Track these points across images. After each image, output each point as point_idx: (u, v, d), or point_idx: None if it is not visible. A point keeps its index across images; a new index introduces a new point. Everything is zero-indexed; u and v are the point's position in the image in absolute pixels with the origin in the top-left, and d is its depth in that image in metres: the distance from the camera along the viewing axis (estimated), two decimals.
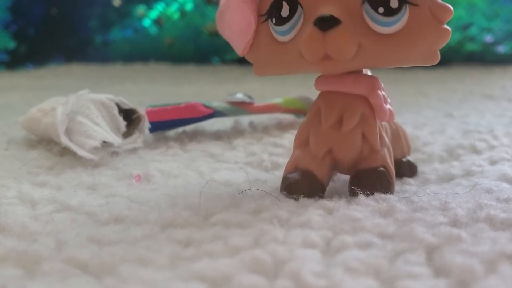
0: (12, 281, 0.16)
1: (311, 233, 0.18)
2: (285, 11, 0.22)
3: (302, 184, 0.22)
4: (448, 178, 0.28)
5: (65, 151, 0.31)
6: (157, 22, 0.98)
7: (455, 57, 0.90)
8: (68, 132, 0.31)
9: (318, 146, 0.23)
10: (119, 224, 0.20)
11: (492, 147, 0.33)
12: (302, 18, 0.22)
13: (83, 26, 0.98)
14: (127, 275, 0.16)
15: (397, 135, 0.28)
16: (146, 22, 0.98)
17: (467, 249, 0.17)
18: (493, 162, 0.30)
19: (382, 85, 0.24)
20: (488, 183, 0.24)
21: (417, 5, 0.21)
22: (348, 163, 0.23)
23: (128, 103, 0.35)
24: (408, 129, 0.36)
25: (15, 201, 0.23)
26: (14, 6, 0.93)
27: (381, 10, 0.21)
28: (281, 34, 0.22)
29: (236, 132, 0.39)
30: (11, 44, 0.93)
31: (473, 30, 0.92)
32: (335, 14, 0.21)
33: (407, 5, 0.21)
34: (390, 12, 0.21)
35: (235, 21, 0.23)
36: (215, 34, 0.95)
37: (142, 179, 0.27)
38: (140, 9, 0.98)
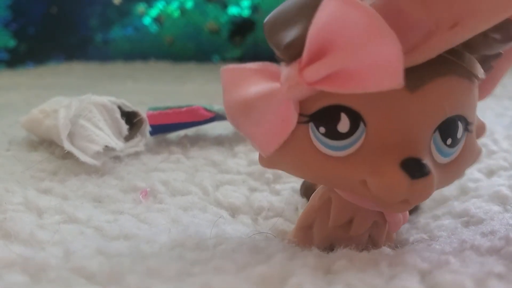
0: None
1: (314, 259, 0.18)
2: (343, 125, 0.17)
3: None
4: (442, 201, 0.27)
5: (67, 154, 0.31)
6: (157, 20, 0.98)
7: None
8: (71, 135, 0.31)
9: (321, 242, 0.21)
10: (129, 241, 0.20)
11: (491, 153, 0.33)
12: (364, 135, 0.17)
13: (84, 24, 0.98)
14: (134, 285, 0.16)
15: None
16: (146, 20, 0.98)
17: (457, 270, 0.17)
18: (490, 173, 0.30)
19: None
20: (478, 207, 0.24)
21: (471, 131, 0.19)
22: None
23: (130, 106, 0.35)
24: None
25: (21, 208, 0.24)
26: (14, 4, 0.92)
27: (449, 141, 0.18)
28: (333, 148, 0.18)
29: (238, 137, 0.39)
30: (11, 43, 0.92)
31: None
32: (423, 157, 0.17)
33: (466, 133, 0.19)
34: (455, 142, 0.18)
35: (269, 117, 0.18)
36: (216, 32, 0.95)
37: (148, 195, 0.27)
38: (141, 7, 0.98)
